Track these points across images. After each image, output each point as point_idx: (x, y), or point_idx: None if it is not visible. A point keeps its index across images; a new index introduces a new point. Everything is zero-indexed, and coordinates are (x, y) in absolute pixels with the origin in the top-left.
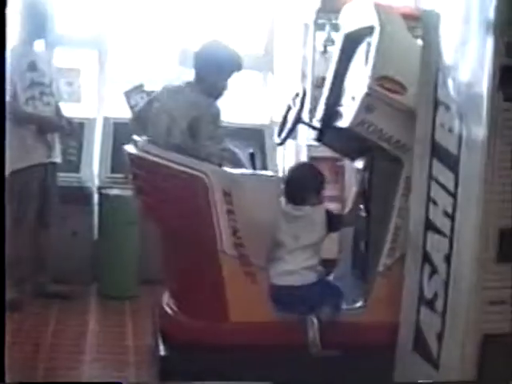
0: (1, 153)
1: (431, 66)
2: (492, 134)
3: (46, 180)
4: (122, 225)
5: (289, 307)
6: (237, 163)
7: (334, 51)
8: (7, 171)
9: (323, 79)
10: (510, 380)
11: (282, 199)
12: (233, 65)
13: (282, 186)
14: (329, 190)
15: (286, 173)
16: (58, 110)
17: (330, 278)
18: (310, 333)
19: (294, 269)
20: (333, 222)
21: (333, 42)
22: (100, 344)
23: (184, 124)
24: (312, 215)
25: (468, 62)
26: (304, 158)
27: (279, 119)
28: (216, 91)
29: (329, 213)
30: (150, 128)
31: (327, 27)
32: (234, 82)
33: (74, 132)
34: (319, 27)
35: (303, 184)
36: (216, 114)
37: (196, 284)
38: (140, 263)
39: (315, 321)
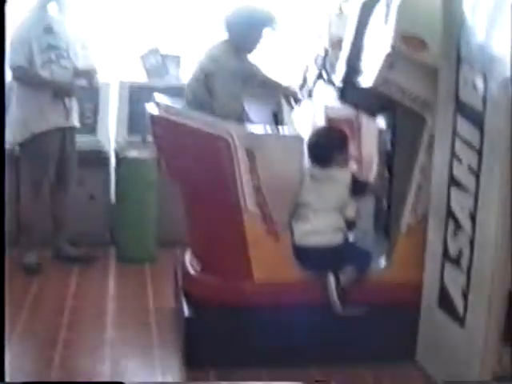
0: (1, 151)
1: (454, 23)
2: None
3: (65, 144)
4: (140, 187)
5: (313, 268)
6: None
7: (353, 10)
8: (27, 135)
9: (339, 40)
10: None
11: (307, 160)
12: (264, 18)
13: (306, 147)
14: None
15: (309, 136)
16: (75, 74)
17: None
18: (329, 292)
19: (320, 229)
20: (358, 187)
21: (348, 2)
22: (121, 307)
23: (202, 76)
24: (337, 177)
25: (491, 19)
26: (321, 119)
27: (296, 79)
28: (247, 45)
29: (355, 177)
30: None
31: None
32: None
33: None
34: None
35: (326, 146)
36: (236, 71)
37: (219, 243)
38: (159, 225)
39: (333, 279)
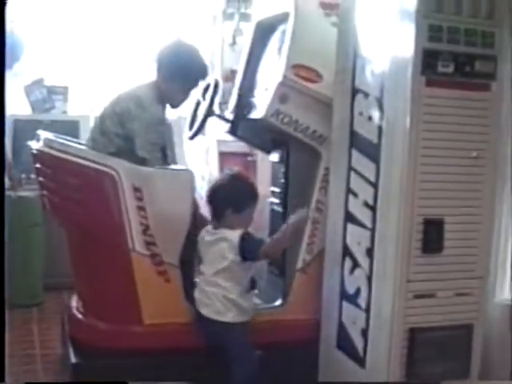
0: (1, 154)
1: (348, 52)
2: (414, 121)
3: None
4: (25, 227)
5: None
6: None
7: (246, 40)
8: None
9: (232, 72)
10: (439, 375)
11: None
12: (199, 73)
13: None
14: None
15: (208, 188)
16: None
17: None
18: None
19: (207, 301)
20: (248, 248)
21: (242, 33)
22: (6, 354)
23: (117, 115)
24: (225, 237)
25: (388, 47)
26: (214, 154)
27: (188, 114)
28: (174, 102)
29: (244, 236)
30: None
31: (236, 17)
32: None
33: None
34: (228, 17)
35: (220, 203)
36: (162, 121)
37: (106, 286)
38: (45, 268)
39: None
